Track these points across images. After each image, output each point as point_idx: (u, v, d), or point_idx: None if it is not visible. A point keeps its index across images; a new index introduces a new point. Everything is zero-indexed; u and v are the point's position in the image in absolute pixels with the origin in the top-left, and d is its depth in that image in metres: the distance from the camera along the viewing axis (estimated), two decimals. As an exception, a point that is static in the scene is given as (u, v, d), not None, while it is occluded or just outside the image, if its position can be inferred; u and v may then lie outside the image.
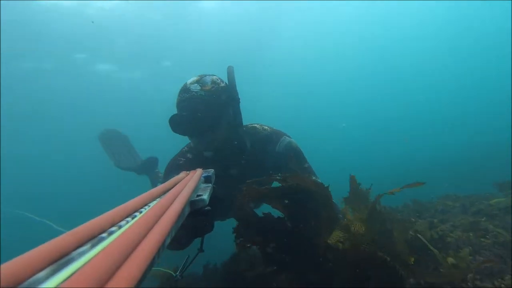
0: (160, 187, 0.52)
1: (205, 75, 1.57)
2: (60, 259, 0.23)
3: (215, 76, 1.60)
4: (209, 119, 1.48)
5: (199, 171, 0.78)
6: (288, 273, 1.05)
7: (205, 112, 1.46)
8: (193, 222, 0.73)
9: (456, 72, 20.35)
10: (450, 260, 1.04)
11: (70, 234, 0.26)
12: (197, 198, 0.59)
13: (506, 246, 1.17)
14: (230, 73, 1.59)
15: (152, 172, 3.68)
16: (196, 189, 0.63)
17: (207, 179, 0.77)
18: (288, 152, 1.70)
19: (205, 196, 0.60)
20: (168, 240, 0.36)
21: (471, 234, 1.37)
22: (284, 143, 1.73)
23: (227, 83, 1.61)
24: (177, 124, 1.49)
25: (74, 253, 0.25)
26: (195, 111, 1.45)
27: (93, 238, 0.28)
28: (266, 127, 1.80)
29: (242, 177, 1.70)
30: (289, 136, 1.80)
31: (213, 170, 0.83)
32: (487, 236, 1.31)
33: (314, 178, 1.62)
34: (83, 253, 0.25)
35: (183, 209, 0.44)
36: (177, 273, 1.39)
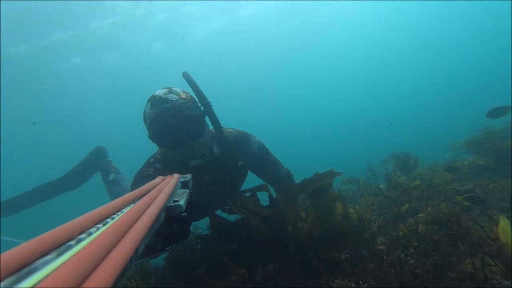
0: (135, 192, 0.50)
1: (171, 87, 1.53)
2: (21, 269, 0.21)
3: (177, 88, 1.56)
4: (199, 125, 1.47)
5: (176, 176, 0.75)
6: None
7: (193, 118, 1.45)
8: (169, 228, 0.71)
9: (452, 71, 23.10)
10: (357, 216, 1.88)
11: (34, 242, 0.24)
12: (174, 204, 0.57)
13: (388, 211, 2.34)
14: (190, 78, 1.55)
15: (104, 161, 3.40)
16: (172, 194, 0.61)
17: (184, 185, 0.75)
18: (260, 151, 1.91)
19: (182, 202, 0.59)
20: (142, 248, 0.35)
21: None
22: (256, 144, 1.89)
23: (192, 89, 1.56)
24: (165, 134, 1.42)
25: (38, 262, 0.23)
26: (183, 118, 1.42)
27: (60, 246, 0.26)
28: (231, 130, 1.84)
29: (215, 181, 1.70)
30: (254, 136, 1.92)
31: (190, 175, 0.82)
32: (374, 205, 2.51)
33: (284, 167, 2.09)
34: (48, 262, 0.24)
35: (158, 215, 0.43)
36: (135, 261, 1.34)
